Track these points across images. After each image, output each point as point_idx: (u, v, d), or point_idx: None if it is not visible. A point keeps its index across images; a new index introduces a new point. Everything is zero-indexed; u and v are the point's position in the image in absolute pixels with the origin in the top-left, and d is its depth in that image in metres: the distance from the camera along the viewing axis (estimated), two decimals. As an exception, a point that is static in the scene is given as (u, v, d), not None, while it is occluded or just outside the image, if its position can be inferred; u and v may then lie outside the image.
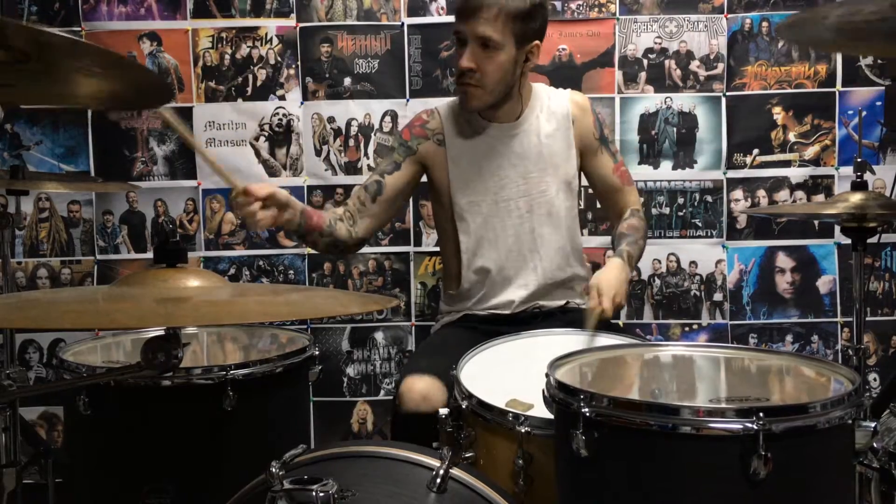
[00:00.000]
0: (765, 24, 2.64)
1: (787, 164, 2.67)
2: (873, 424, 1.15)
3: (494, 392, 1.43)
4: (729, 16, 2.65)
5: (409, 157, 2.00)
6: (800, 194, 2.67)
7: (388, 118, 2.67)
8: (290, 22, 2.67)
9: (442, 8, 2.65)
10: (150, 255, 2.64)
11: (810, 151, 2.67)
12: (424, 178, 2.06)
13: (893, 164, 2.65)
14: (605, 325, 1.93)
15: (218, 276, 1.16)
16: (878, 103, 2.63)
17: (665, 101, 2.67)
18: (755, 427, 1.03)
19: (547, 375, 1.25)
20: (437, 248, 2.19)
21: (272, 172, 2.68)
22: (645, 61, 2.66)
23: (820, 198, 2.66)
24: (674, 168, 2.68)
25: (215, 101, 2.68)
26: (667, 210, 2.69)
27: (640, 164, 2.67)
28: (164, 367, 1.03)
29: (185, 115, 2.67)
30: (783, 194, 2.67)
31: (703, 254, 2.69)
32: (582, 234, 2.18)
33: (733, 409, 1.08)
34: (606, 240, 2.57)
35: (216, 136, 2.67)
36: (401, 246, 2.71)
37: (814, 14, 1.26)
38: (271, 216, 1.74)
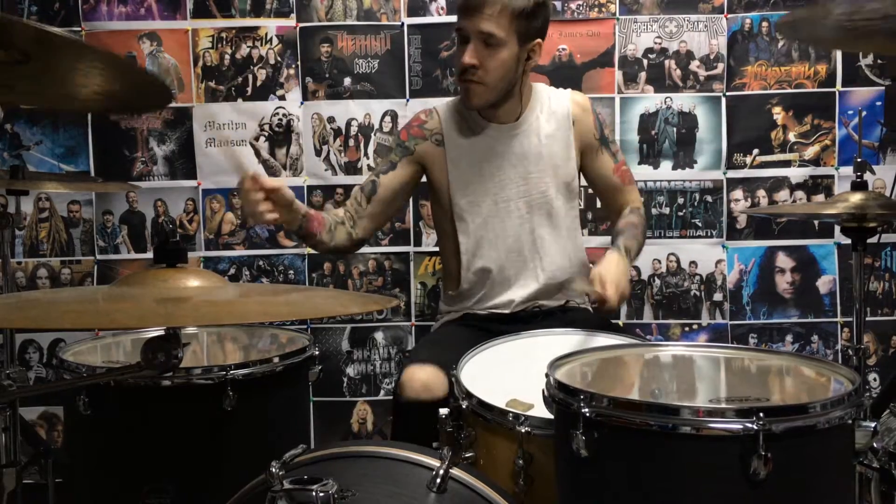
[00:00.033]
0: (765, 24, 2.64)
1: (787, 164, 2.67)
2: (873, 424, 1.15)
3: (494, 392, 1.43)
4: (729, 16, 2.65)
5: (406, 158, 1.99)
6: (800, 194, 2.67)
7: (388, 118, 2.67)
8: (290, 22, 2.67)
9: (442, 8, 2.65)
10: (150, 255, 2.64)
11: (810, 151, 2.67)
12: (423, 179, 2.06)
13: (893, 164, 2.65)
14: (604, 326, 1.94)
15: (218, 276, 1.16)
16: (878, 103, 2.63)
17: (665, 101, 2.67)
18: (755, 427, 1.03)
19: (547, 375, 1.25)
20: (437, 249, 2.19)
21: (272, 172, 2.68)
22: (645, 61, 2.66)
23: (820, 198, 2.66)
24: (674, 168, 2.68)
25: (215, 101, 2.68)
26: (667, 210, 2.69)
27: (640, 164, 2.67)
28: (164, 367, 1.03)
29: (185, 114, 2.67)
30: (783, 194, 2.67)
31: (703, 254, 2.69)
32: (582, 234, 2.18)
33: (733, 409, 1.08)
34: (607, 240, 2.54)
35: (216, 136, 2.67)
36: (401, 246, 2.71)
37: (814, 12, 1.26)
38: (271, 211, 1.74)
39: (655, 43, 2.66)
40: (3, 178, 1.84)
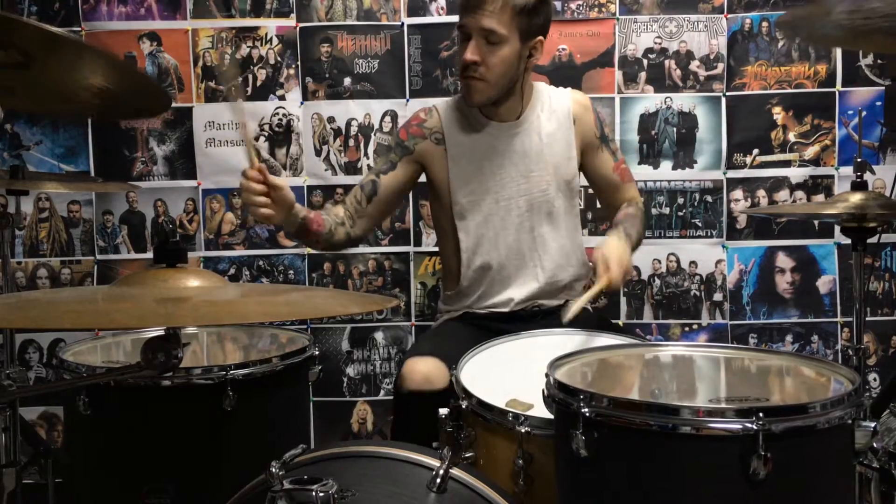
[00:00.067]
0: (765, 24, 2.64)
1: (787, 164, 2.67)
2: (873, 424, 1.15)
3: (494, 392, 1.43)
4: (729, 16, 2.65)
5: (406, 157, 2.00)
6: (800, 194, 2.67)
7: (388, 118, 2.67)
8: (290, 22, 2.67)
9: (442, 8, 2.65)
10: (150, 255, 2.64)
11: (810, 151, 2.67)
12: (423, 178, 2.06)
13: (893, 164, 2.65)
14: (604, 326, 1.94)
15: (218, 276, 1.16)
16: (878, 103, 2.63)
17: (665, 101, 2.67)
18: (755, 427, 1.03)
19: (547, 375, 1.25)
20: (437, 249, 2.19)
21: (272, 172, 2.65)
22: (645, 61, 2.66)
23: (820, 198, 2.66)
24: (674, 168, 2.68)
25: (215, 101, 2.68)
26: (667, 210, 2.69)
27: (640, 164, 2.67)
28: (164, 367, 1.03)
29: (185, 114, 2.67)
30: (783, 194, 2.67)
31: (703, 254, 2.69)
32: (582, 234, 2.18)
33: (733, 409, 1.08)
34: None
35: (216, 136, 2.67)
36: (401, 246, 2.71)
37: (814, 10, 1.26)
38: (267, 207, 1.73)
39: (655, 43, 2.66)
40: (3, 178, 1.84)
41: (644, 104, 2.67)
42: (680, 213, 2.69)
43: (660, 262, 2.70)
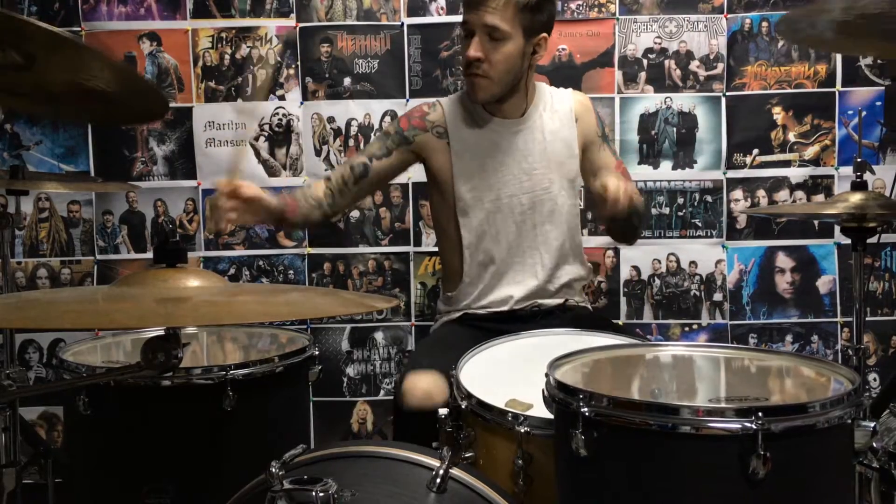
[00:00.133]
0: (765, 24, 2.64)
1: (786, 164, 2.67)
2: (873, 424, 1.16)
3: (494, 392, 1.43)
4: (729, 16, 2.65)
5: (403, 147, 2.00)
6: (800, 194, 2.67)
7: (387, 118, 2.66)
8: (290, 22, 2.67)
9: (442, 8, 2.65)
10: (149, 255, 2.64)
11: (810, 151, 2.67)
12: (413, 176, 2.06)
13: (893, 164, 2.65)
14: (604, 326, 1.94)
15: (218, 276, 1.16)
16: (878, 103, 2.63)
17: (665, 101, 2.67)
18: (754, 427, 1.03)
19: (547, 375, 1.25)
20: (437, 249, 2.19)
21: (272, 172, 2.68)
22: (645, 61, 2.66)
23: (820, 198, 2.66)
24: (674, 168, 2.68)
25: (215, 101, 2.68)
26: (667, 210, 2.69)
27: (639, 164, 2.67)
28: (164, 367, 1.03)
29: (185, 114, 2.67)
30: (783, 194, 2.67)
31: (702, 254, 2.69)
32: (582, 234, 2.18)
33: (732, 409, 1.08)
34: (607, 240, 2.57)
35: (216, 136, 2.67)
36: (401, 246, 2.71)
37: (812, 10, 1.27)
38: (239, 217, 1.78)
39: (655, 43, 2.66)
40: (3, 178, 1.84)
41: (644, 104, 2.67)
42: (680, 213, 2.69)
43: (660, 262, 2.70)
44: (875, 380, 2.64)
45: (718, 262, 2.69)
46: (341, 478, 1.09)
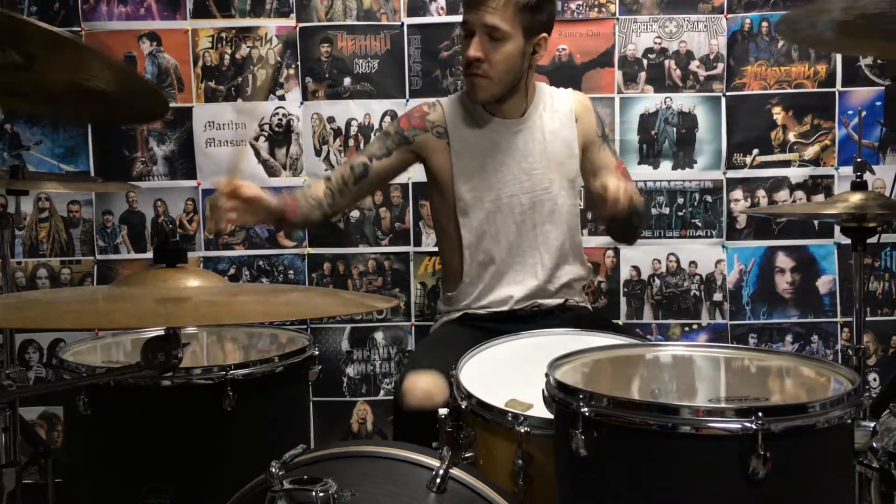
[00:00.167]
0: (765, 24, 2.64)
1: (786, 164, 2.67)
2: (873, 424, 1.16)
3: (494, 392, 1.43)
4: (729, 16, 2.65)
5: (403, 147, 2.00)
6: (799, 194, 2.67)
7: (387, 118, 2.66)
8: (290, 22, 2.67)
9: (442, 8, 2.65)
10: (149, 255, 2.64)
11: (810, 151, 2.67)
12: (413, 176, 2.06)
13: (893, 164, 2.65)
14: (605, 326, 1.94)
15: (218, 276, 1.16)
16: (878, 103, 2.63)
17: (665, 101, 2.67)
18: (754, 427, 1.03)
19: (547, 375, 1.25)
20: (437, 249, 2.19)
21: (272, 172, 2.68)
22: (645, 61, 2.66)
23: (820, 198, 2.66)
24: (673, 168, 2.68)
25: (215, 101, 2.68)
26: (666, 210, 2.69)
27: (639, 164, 2.67)
28: (163, 367, 1.03)
29: (185, 114, 2.67)
30: (783, 194, 2.67)
31: (702, 254, 2.69)
32: (582, 234, 2.18)
33: (732, 409, 1.08)
34: (607, 240, 2.57)
35: (216, 136, 2.67)
36: (401, 246, 2.71)
37: (812, 11, 1.27)
38: (239, 217, 1.79)
39: (655, 43, 2.66)
40: (3, 178, 1.84)
41: (644, 104, 2.67)
42: (680, 213, 2.69)
43: (660, 262, 2.70)
44: (875, 380, 2.64)
45: (718, 262, 2.69)
46: (341, 478, 1.09)
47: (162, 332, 1.03)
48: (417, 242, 2.70)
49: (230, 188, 1.75)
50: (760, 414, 1.04)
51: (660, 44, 2.66)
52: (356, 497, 1.09)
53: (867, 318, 2.61)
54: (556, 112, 2.02)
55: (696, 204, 2.68)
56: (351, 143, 2.68)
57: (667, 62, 2.66)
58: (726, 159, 2.66)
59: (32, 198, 2.67)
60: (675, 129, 2.67)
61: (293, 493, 1.05)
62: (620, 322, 2.67)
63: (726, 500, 1.08)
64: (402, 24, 2.66)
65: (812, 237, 2.68)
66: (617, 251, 2.69)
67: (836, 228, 2.59)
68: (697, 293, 2.69)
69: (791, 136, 2.66)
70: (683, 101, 2.67)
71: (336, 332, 2.71)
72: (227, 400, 1.56)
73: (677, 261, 2.69)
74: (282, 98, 2.68)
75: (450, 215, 2.02)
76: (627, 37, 2.66)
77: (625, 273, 2.70)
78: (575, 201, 2.05)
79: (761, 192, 2.67)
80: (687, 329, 2.70)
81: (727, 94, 2.65)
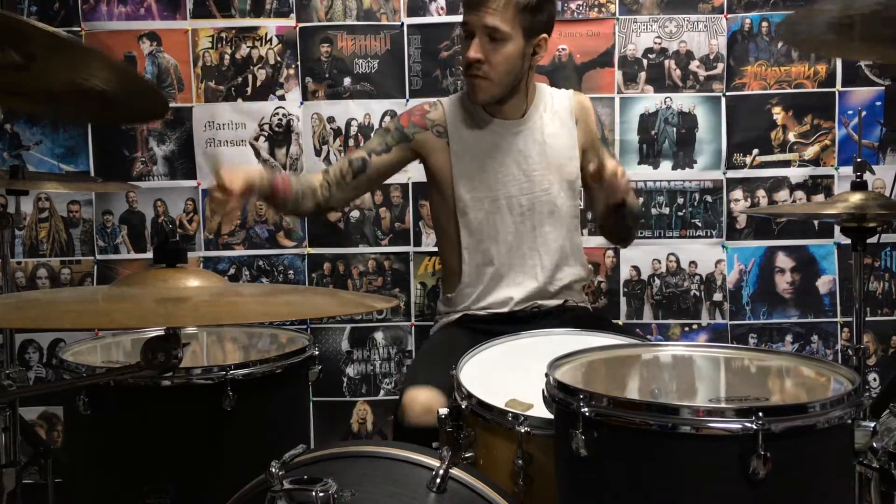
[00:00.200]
0: (765, 24, 2.64)
1: (786, 164, 2.67)
2: (873, 424, 1.15)
3: (494, 392, 1.43)
4: (729, 16, 2.65)
5: (402, 144, 2.00)
6: (799, 194, 2.67)
7: (387, 118, 2.66)
8: (290, 22, 2.67)
9: (442, 8, 2.65)
10: (149, 255, 2.64)
11: (810, 151, 2.67)
12: (413, 176, 2.05)
13: (893, 164, 2.65)
14: (605, 326, 1.94)
15: (218, 276, 1.16)
16: (878, 103, 2.63)
17: (665, 101, 2.67)
18: (754, 427, 1.03)
19: (547, 375, 1.25)
20: (437, 249, 2.19)
21: (272, 172, 2.68)
22: (645, 61, 2.66)
23: (820, 198, 2.66)
24: (673, 168, 2.68)
25: (215, 101, 2.68)
26: (666, 210, 2.69)
27: (639, 164, 2.67)
28: (163, 367, 1.03)
29: (185, 114, 2.67)
30: (783, 194, 2.67)
31: (702, 254, 2.69)
32: (582, 235, 2.18)
33: (733, 409, 1.08)
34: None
35: (216, 136, 2.67)
36: (401, 246, 2.71)
37: (810, 12, 1.26)
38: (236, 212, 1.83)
39: (655, 43, 2.66)
40: (3, 178, 1.84)
41: (644, 104, 2.67)
42: (680, 213, 2.69)
43: (660, 262, 2.70)
44: (875, 380, 2.64)
45: (718, 262, 2.69)
46: (341, 478, 1.09)
47: (162, 332, 1.03)
48: (417, 242, 2.70)
49: (221, 188, 1.74)
50: (761, 414, 1.04)
51: (660, 44, 2.66)
52: (356, 497, 1.09)
53: (867, 318, 2.61)
54: (557, 113, 2.02)
55: (696, 204, 2.68)
56: (351, 143, 2.68)
57: (667, 62, 2.66)
58: (726, 159, 2.66)
59: (32, 198, 2.67)
60: (675, 129, 2.67)
61: (293, 493, 1.05)
62: (620, 322, 2.67)
63: (726, 500, 1.08)
64: (402, 24, 2.66)
65: (812, 237, 2.68)
66: (617, 251, 2.69)
67: (836, 228, 2.59)
68: (697, 293, 2.69)
69: (791, 136, 2.66)
70: (683, 101, 2.67)
71: (336, 332, 2.71)
72: (227, 400, 1.56)
73: (677, 261, 2.69)
74: (282, 98, 2.68)
75: (449, 215, 2.02)
76: (627, 37, 2.66)
77: (625, 273, 2.70)
78: (575, 202, 2.05)
79: (761, 192, 2.67)
80: (687, 329, 2.70)
81: (727, 94, 2.65)
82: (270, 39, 2.67)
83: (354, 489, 1.09)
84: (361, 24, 2.66)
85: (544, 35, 1.91)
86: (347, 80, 2.68)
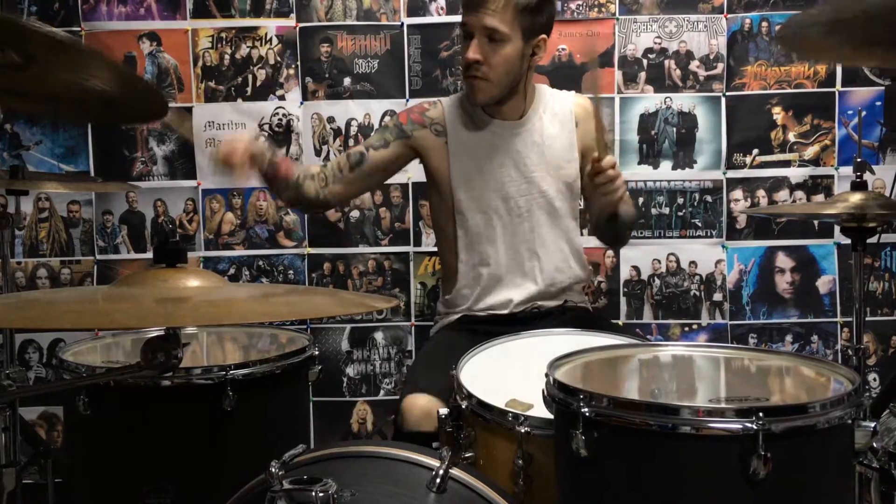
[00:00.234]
0: (764, 24, 2.64)
1: (786, 164, 2.67)
2: (873, 424, 1.15)
3: (494, 392, 1.43)
4: (729, 16, 2.65)
5: (401, 140, 2.00)
6: (799, 194, 2.67)
7: (387, 118, 2.66)
8: (290, 22, 2.67)
9: (442, 8, 2.65)
10: (149, 255, 2.64)
11: (810, 151, 2.67)
12: (413, 176, 2.05)
13: (893, 164, 2.65)
14: (604, 326, 1.94)
15: (218, 276, 1.16)
16: (878, 103, 2.63)
17: (665, 101, 2.67)
18: (755, 427, 1.03)
19: (547, 375, 1.25)
20: (437, 249, 2.19)
21: (272, 172, 2.68)
22: (645, 61, 2.66)
23: (820, 198, 2.66)
24: (673, 168, 2.68)
25: (215, 101, 2.68)
26: (666, 210, 2.69)
27: (639, 164, 2.67)
28: (163, 367, 1.03)
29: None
30: (783, 194, 2.67)
31: (702, 254, 2.69)
32: (582, 235, 2.18)
33: (733, 409, 1.08)
34: (606, 240, 2.56)
35: (216, 136, 2.67)
36: (401, 246, 2.71)
37: (808, 14, 1.26)
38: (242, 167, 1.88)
39: (655, 43, 2.66)
40: (3, 178, 1.84)
41: (644, 104, 2.67)
42: (680, 213, 2.69)
43: (659, 262, 2.70)
44: (875, 380, 2.64)
45: (718, 262, 2.69)
46: (341, 478, 1.09)
47: (162, 332, 1.03)
48: (417, 242, 2.70)
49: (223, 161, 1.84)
50: (761, 414, 1.04)
51: (660, 44, 2.66)
52: (356, 497, 1.09)
53: (867, 318, 2.61)
54: (557, 115, 2.01)
55: (695, 204, 2.68)
56: (351, 143, 2.68)
57: (667, 62, 2.66)
58: (726, 159, 2.66)
59: (32, 198, 2.67)
60: (675, 129, 2.67)
61: (293, 493, 1.05)
62: (620, 322, 2.67)
63: (727, 500, 1.08)
64: (402, 24, 2.66)
65: (812, 237, 2.68)
66: (617, 251, 2.69)
67: (836, 228, 2.59)
68: (697, 293, 2.69)
69: (791, 136, 2.66)
70: (683, 101, 2.67)
71: (336, 332, 2.71)
72: (227, 400, 1.56)
73: (677, 261, 2.69)
74: (282, 98, 2.68)
75: (448, 216, 2.02)
76: (627, 37, 2.66)
77: (625, 273, 2.70)
78: (574, 204, 2.05)
79: (761, 192, 2.67)
80: (687, 329, 2.70)
81: (727, 94, 2.65)
82: (270, 39, 2.67)
83: (354, 489, 1.09)
84: (361, 24, 2.66)
85: (543, 36, 1.91)
86: (347, 80, 2.68)
